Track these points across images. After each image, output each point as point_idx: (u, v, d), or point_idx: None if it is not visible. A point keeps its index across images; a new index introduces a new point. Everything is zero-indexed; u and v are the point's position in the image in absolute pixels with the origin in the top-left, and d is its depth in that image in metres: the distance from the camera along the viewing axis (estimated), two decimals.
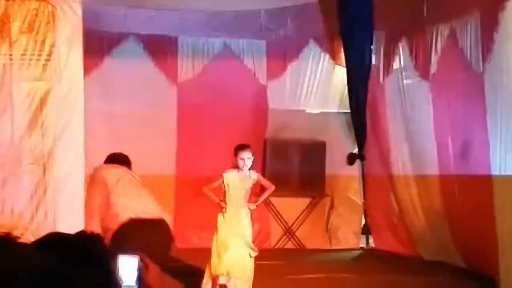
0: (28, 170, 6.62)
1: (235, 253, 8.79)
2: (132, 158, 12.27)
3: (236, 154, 9.09)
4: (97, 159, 11.35)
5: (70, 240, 1.91)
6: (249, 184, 9.10)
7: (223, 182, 9.06)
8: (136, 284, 2.79)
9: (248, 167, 9.05)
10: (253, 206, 9.19)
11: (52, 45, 6.79)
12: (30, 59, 6.92)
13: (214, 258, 8.84)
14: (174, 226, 12.52)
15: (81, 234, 1.98)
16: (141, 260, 2.93)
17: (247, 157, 9.01)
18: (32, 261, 1.66)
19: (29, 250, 1.75)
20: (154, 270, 3.02)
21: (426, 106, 10.97)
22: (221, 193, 9.14)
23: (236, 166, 9.10)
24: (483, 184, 9.05)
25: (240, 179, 9.05)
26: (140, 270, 2.85)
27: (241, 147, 9.15)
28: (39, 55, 6.92)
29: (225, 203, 9.02)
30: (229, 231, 8.91)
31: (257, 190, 9.78)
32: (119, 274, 2.71)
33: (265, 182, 9.40)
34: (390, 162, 12.16)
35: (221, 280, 8.75)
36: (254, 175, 9.19)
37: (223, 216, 9.02)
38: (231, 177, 9.08)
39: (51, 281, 1.59)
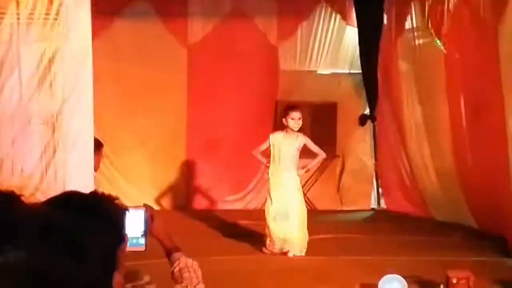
0: (37, 130, 6.59)
1: (283, 220, 8.86)
2: (142, 120, 12.35)
3: (286, 114, 9.04)
4: (107, 120, 11.43)
5: (79, 197, 1.89)
6: (295, 146, 9.04)
7: (269, 143, 9.03)
8: (142, 236, 2.79)
9: (299, 127, 9.01)
10: (301, 172, 9.18)
11: (60, 4, 6.71)
12: (38, 19, 6.85)
13: (269, 222, 8.93)
14: (185, 189, 12.58)
15: (93, 193, 1.97)
16: (147, 211, 2.92)
17: (298, 117, 8.97)
18: (37, 215, 1.63)
19: (36, 205, 1.73)
20: (159, 221, 3.01)
21: (438, 65, 10.86)
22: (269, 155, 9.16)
23: (284, 128, 9.07)
24: (498, 144, 8.97)
25: (287, 141, 9.03)
26: (146, 222, 2.84)
27: (292, 107, 9.14)
28: (47, 14, 6.85)
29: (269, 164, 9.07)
30: (279, 194, 8.94)
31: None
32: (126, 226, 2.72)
33: (315, 148, 9.25)
34: (403, 123, 12.08)
35: (279, 245, 8.88)
36: (302, 138, 9.13)
37: (270, 178, 9.07)
38: (277, 138, 9.07)
39: (57, 235, 1.56)
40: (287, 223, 8.87)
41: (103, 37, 11.36)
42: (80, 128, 6.22)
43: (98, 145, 7.22)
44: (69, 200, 1.83)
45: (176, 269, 2.98)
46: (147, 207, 2.96)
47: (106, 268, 1.64)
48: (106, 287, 1.61)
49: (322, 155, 9.33)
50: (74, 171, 5.97)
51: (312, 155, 9.46)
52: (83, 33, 6.38)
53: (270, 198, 9.05)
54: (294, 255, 8.83)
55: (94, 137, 7.31)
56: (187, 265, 2.98)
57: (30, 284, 1.45)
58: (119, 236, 1.87)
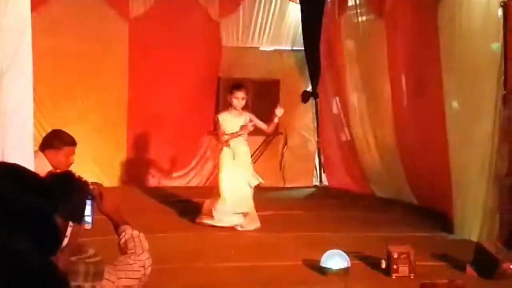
0: None
1: (238, 188, 9.03)
2: (82, 96, 12.16)
3: (231, 93, 9.18)
4: (46, 95, 11.23)
5: (15, 168, 1.86)
6: (241, 123, 9.18)
7: (219, 123, 9.15)
8: (90, 214, 2.81)
9: (242, 106, 9.18)
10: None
11: None
12: None
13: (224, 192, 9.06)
14: (127, 165, 12.46)
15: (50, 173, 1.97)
16: (95, 189, 2.98)
17: (241, 97, 9.13)
18: None
19: None
20: (108, 197, 3.06)
21: (381, 44, 10.94)
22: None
23: (229, 106, 9.21)
24: (437, 122, 9.09)
25: (233, 118, 9.17)
26: (93, 200, 2.86)
27: (237, 87, 9.26)
28: None
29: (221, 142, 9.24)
30: (230, 167, 9.09)
31: None
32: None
33: (259, 123, 9.37)
34: (345, 100, 12.16)
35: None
36: (247, 115, 9.28)
37: (224, 153, 9.20)
38: (224, 118, 9.20)
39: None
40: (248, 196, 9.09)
41: (41, 11, 11.11)
42: (20, 102, 6.05)
43: (66, 142, 7.06)
44: (6, 171, 1.80)
45: (122, 241, 3.05)
46: (95, 184, 2.99)
47: (40, 240, 1.59)
48: (37, 259, 1.56)
49: (265, 128, 9.47)
50: (13, 146, 5.83)
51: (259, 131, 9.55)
52: (22, 7, 6.20)
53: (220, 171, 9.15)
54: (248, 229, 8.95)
55: (65, 133, 7.19)
56: (133, 236, 3.05)
57: None
58: (54, 207, 1.84)
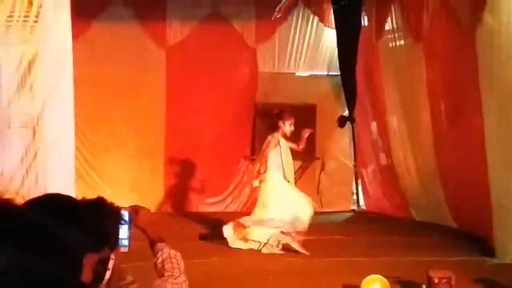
0: (18, 134, 6.53)
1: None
2: (120, 123, 12.30)
3: (284, 119, 9.40)
4: (85, 123, 11.37)
5: (58, 199, 1.88)
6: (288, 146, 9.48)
7: (278, 143, 9.33)
8: (126, 237, 2.80)
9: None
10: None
11: (39, 6, 6.66)
12: (17, 21, 6.79)
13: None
14: (164, 192, 12.53)
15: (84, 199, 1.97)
16: (131, 207, 2.99)
17: (292, 123, 9.41)
18: (13, 214, 1.60)
19: (14, 206, 1.70)
20: (144, 212, 3.07)
21: (419, 67, 10.91)
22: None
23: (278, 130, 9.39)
24: (476, 145, 9.02)
25: (286, 142, 9.42)
26: (130, 223, 2.86)
27: (287, 112, 9.53)
28: (26, 16, 6.78)
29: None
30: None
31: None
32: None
33: (291, 145, 9.57)
34: (384, 124, 12.12)
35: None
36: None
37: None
38: (281, 140, 9.39)
39: (28, 233, 1.53)
40: None
41: (81, 40, 11.27)
42: (61, 131, 6.17)
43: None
44: (48, 202, 1.82)
45: (159, 260, 3.01)
46: (134, 206, 2.99)
47: (76, 271, 1.61)
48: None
49: (297, 147, 9.64)
50: (55, 174, 5.91)
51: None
52: (63, 36, 6.33)
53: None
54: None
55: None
56: (170, 256, 3.01)
57: None
58: (98, 240, 1.85)
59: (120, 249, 2.72)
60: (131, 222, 2.86)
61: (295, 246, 9.11)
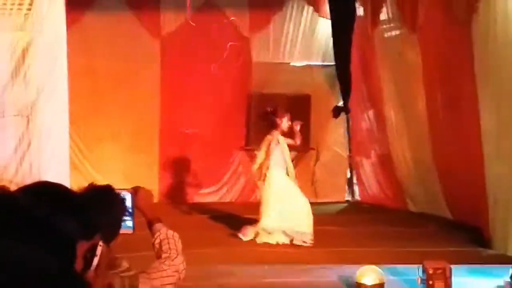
0: (11, 122, 6.49)
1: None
2: (114, 113, 12.25)
3: (280, 116, 9.46)
4: (79, 113, 11.31)
5: (51, 186, 1.86)
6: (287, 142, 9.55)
7: (278, 142, 9.39)
8: (130, 218, 2.80)
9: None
10: None
11: None
12: (11, 9, 6.74)
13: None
14: (159, 182, 12.50)
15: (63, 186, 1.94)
16: (131, 188, 2.99)
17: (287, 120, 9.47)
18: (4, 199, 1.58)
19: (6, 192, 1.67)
20: (142, 193, 3.05)
21: (415, 57, 10.88)
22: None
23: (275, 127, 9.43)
24: (472, 136, 9.01)
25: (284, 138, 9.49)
26: (133, 204, 2.86)
27: (284, 110, 9.61)
28: (20, 4, 6.72)
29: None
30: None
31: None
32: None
33: (289, 141, 9.64)
34: (380, 114, 12.09)
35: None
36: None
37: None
38: (280, 137, 9.43)
39: (18, 219, 1.51)
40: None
41: (74, 30, 11.18)
42: (55, 120, 6.13)
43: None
44: (41, 189, 1.80)
45: (157, 241, 3.01)
46: (134, 188, 2.98)
47: (68, 258, 1.58)
48: (65, 276, 1.55)
49: (295, 142, 9.71)
50: (49, 163, 5.88)
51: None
52: (57, 25, 6.29)
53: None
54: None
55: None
56: (167, 237, 3.01)
57: None
58: (89, 228, 1.83)
59: (125, 231, 2.72)
60: (133, 203, 2.87)
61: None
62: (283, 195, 9.24)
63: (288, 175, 9.44)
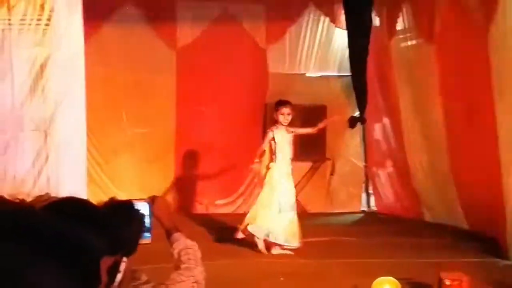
0: (29, 136, 6.56)
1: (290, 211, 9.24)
2: (131, 125, 12.32)
3: (277, 110, 9.35)
4: (96, 125, 11.39)
5: (75, 203, 1.89)
6: (290, 139, 9.36)
7: (273, 138, 9.23)
8: (148, 228, 2.81)
9: (288, 122, 9.31)
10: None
11: (51, 10, 6.69)
12: (30, 24, 6.82)
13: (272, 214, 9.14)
14: (174, 193, 12.54)
15: (84, 200, 1.97)
16: (149, 198, 2.99)
17: (287, 112, 9.28)
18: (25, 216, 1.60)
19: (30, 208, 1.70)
20: (161, 202, 3.06)
21: (432, 67, 10.87)
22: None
23: (275, 123, 9.35)
24: (490, 145, 8.98)
25: (285, 133, 9.31)
26: (151, 215, 2.86)
27: (282, 103, 9.41)
28: (39, 19, 6.82)
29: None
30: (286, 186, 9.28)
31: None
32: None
33: (303, 130, 9.73)
34: (397, 124, 12.07)
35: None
36: (291, 130, 9.42)
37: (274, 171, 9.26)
38: (276, 132, 9.29)
39: (37, 236, 1.53)
40: (293, 213, 9.19)
41: (91, 42, 11.26)
42: (73, 133, 6.19)
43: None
44: (66, 204, 1.83)
45: (175, 251, 2.98)
46: (152, 198, 2.98)
47: (88, 277, 1.61)
48: None
49: (312, 130, 9.76)
50: (67, 177, 5.94)
51: None
52: (75, 39, 6.36)
53: (274, 190, 9.17)
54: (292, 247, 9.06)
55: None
56: (186, 247, 2.98)
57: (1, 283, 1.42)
58: (114, 244, 1.86)
59: (143, 241, 2.73)
60: (151, 213, 2.87)
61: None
62: (275, 198, 9.20)
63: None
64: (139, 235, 2.76)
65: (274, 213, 9.13)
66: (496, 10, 8.61)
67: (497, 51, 8.69)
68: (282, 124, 9.26)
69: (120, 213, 2.65)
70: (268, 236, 9.09)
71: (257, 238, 9.12)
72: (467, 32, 9.69)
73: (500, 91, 8.63)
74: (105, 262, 1.84)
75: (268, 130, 9.54)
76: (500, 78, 8.61)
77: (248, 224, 9.18)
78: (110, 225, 1.99)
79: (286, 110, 9.26)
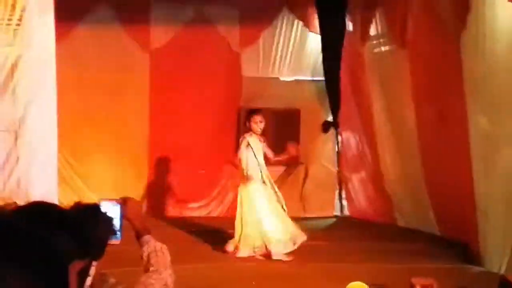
0: None
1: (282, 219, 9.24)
2: (104, 126, 12.24)
3: (249, 119, 9.28)
4: (69, 127, 11.30)
5: (45, 208, 1.86)
6: (262, 147, 9.30)
7: (248, 143, 9.17)
8: (118, 229, 2.79)
9: (261, 130, 9.25)
10: None
11: (23, 10, 6.61)
12: (0, 24, 6.74)
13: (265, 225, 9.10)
14: (148, 195, 12.49)
15: (55, 205, 1.94)
16: (120, 198, 2.96)
17: (259, 120, 9.22)
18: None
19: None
20: (132, 204, 3.02)
21: (404, 73, 10.91)
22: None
23: (248, 131, 9.28)
24: (462, 151, 9.02)
25: (258, 141, 9.27)
26: (122, 215, 2.84)
27: (255, 111, 9.37)
28: (10, 19, 6.73)
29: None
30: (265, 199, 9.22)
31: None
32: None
33: (267, 150, 9.41)
34: (369, 129, 12.10)
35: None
36: (262, 140, 9.38)
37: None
38: (251, 140, 9.23)
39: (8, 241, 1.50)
40: (286, 221, 9.22)
41: (64, 43, 11.16)
42: (44, 134, 6.11)
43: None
44: (35, 209, 1.80)
45: (145, 254, 2.97)
46: (123, 199, 2.96)
47: (55, 283, 1.58)
48: None
49: (272, 156, 9.46)
50: (37, 178, 5.87)
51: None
52: (47, 39, 6.28)
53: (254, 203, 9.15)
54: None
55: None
56: (156, 249, 2.96)
57: None
58: (84, 248, 1.84)
59: (112, 241, 2.71)
60: (122, 214, 2.85)
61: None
62: (258, 206, 9.19)
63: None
64: (107, 237, 2.73)
65: (267, 222, 9.11)
66: (468, 15, 8.65)
67: (469, 56, 8.73)
68: (255, 133, 9.23)
69: (87, 216, 2.62)
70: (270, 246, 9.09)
71: (284, 254, 9.06)
72: (440, 38, 9.73)
73: (472, 97, 8.67)
74: (75, 266, 1.81)
75: (241, 138, 9.48)
76: (472, 83, 8.65)
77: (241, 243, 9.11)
78: (78, 228, 1.97)
79: (258, 118, 9.23)
